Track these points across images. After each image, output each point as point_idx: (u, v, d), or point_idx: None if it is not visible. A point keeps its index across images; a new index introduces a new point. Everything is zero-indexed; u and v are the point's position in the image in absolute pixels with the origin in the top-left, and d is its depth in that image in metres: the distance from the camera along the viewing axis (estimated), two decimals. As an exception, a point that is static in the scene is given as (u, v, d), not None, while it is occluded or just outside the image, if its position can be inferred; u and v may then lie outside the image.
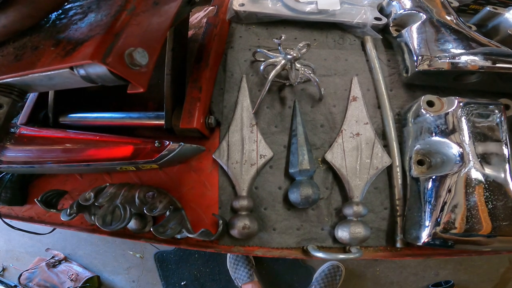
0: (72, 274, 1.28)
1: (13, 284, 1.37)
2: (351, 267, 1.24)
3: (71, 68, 0.24)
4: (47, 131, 0.46)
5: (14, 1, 0.25)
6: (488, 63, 0.40)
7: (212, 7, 0.59)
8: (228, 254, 1.30)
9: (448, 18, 0.47)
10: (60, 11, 0.31)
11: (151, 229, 0.39)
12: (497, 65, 0.40)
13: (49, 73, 0.25)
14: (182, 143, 0.40)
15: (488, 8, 0.53)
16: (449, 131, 0.35)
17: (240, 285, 1.24)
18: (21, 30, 0.28)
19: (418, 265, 1.22)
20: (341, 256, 0.36)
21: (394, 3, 0.53)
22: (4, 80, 0.29)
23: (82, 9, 0.30)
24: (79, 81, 0.26)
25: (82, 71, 0.25)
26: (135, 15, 0.27)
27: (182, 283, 1.33)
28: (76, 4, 0.31)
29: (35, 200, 0.44)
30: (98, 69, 0.24)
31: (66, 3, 0.31)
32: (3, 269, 1.52)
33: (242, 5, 0.55)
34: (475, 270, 1.21)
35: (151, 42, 0.29)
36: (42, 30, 0.29)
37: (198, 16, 0.63)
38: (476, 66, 0.40)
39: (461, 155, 0.33)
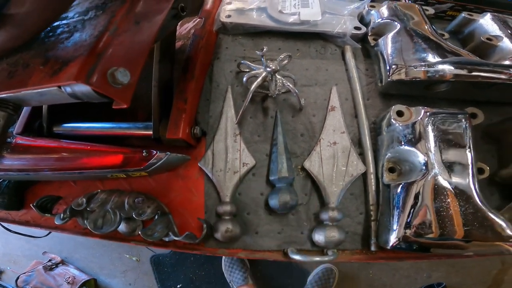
0: (69, 277, 1.30)
1: (10, 287, 1.38)
2: (345, 270, 1.25)
3: (59, 86, 0.27)
4: (42, 140, 0.48)
5: (3, 23, 0.27)
6: (459, 72, 0.41)
7: (199, 19, 0.61)
8: (224, 258, 1.31)
9: (424, 27, 0.49)
10: (49, 28, 0.33)
11: (140, 233, 0.42)
12: (468, 73, 0.41)
13: (39, 90, 0.27)
14: (169, 153, 0.42)
15: (463, 15, 0.55)
16: (415, 140, 0.37)
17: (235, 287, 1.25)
18: (12, 49, 0.30)
19: (410, 268, 1.23)
20: (317, 258, 0.38)
21: (373, 12, 0.54)
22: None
23: (69, 27, 0.32)
24: (67, 98, 0.28)
25: (68, 89, 0.27)
26: (117, 35, 0.29)
27: (178, 286, 1.35)
28: (63, 22, 0.33)
29: (30, 205, 0.46)
30: (83, 88, 0.26)
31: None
32: (1, 272, 1.55)
33: (229, 16, 0.58)
34: (468, 272, 1.22)
35: (134, 59, 0.31)
36: (32, 47, 0.31)
37: (187, 27, 0.65)
38: (448, 75, 0.41)
39: (426, 163, 0.35)
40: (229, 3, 0.61)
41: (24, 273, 1.36)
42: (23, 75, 0.28)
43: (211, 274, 1.35)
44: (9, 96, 0.31)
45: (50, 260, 1.38)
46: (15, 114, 0.34)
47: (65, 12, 0.33)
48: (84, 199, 0.45)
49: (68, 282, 1.28)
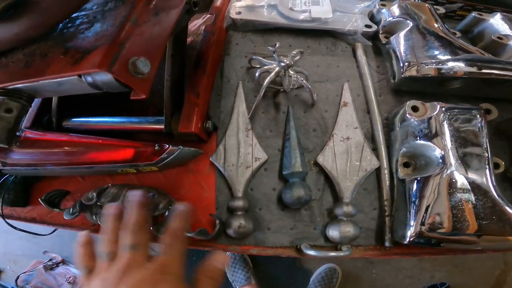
0: (70, 277, 1.29)
1: (10, 287, 1.37)
2: (348, 270, 1.25)
3: (79, 75, 0.26)
4: (51, 134, 0.47)
5: (26, 11, 0.27)
6: (471, 69, 0.42)
7: (209, 15, 0.61)
8: None
9: (434, 25, 0.49)
10: (67, 19, 0.32)
11: (151, 228, 0.41)
12: (480, 70, 0.42)
13: (58, 80, 0.27)
14: (181, 147, 0.42)
15: (473, 14, 0.56)
16: (431, 135, 0.37)
17: (237, 287, 1.24)
18: (32, 38, 0.30)
19: (413, 267, 1.23)
20: (332, 253, 0.38)
21: (383, 10, 0.55)
22: (14, 86, 0.31)
23: (88, 18, 0.32)
24: (86, 88, 0.28)
25: (89, 79, 0.27)
26: (138, 26, 0.29)
27: None
28: (82, 13, 0.33)
29: (38, 199, 0.45)
30: (104, 77, 0.26)
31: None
32: (0, 272, 1.54)
33: (239, 13, 0.58)
34: (471, 272, 1.22)
35: (153, 50, 0.31)
36: (50, 38, 0.31)
37: (196, 24, 0.65)
38: (460, 72, 0.42)
39: (443, 157, 0.35)
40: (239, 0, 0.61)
41: (24, 272, 1.35)
42: (41, 65, 0.28)
43: None
44: (25, 86, 0.31)
45: (50, 260, 1.37)
46: (28, 105, 0.33)
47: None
48: (95, 194, 0.44)
49: (69, 282, 1.27)
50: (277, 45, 0.44)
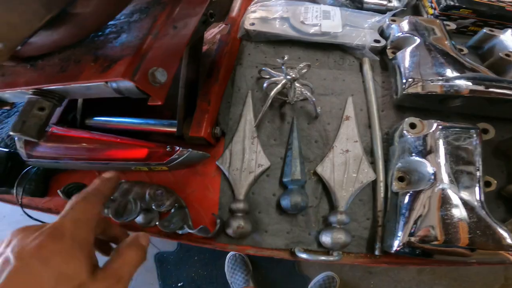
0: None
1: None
2: (346, 279, 1.25)
3: (106, 82, 0.30)
4: (75, 131, 0.52)
5: (66, 21, 0.30)
6: (474, 87, 0.43)
7: (225, 25, 0.64)
8: (227, 259, 1.33)
9: (442, 41, 0.50)
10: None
11: (157, 223, 0.45)
12: (482, 89, 0.43)
13: (88, 84, 0.31)
14: (190, 149, 0.45)
15: (484, 31, 0.56)
16: (426, 152, 0.39)
17: None
18: (68, 45, 0.34)
19: (412, 280, 1.23)
20: (322, 257, 0.40)
21: (393, 26, 0.56)
22: (49, 87, 0.35)
23: (116, 28, 0.35)
24: (110, 92, 0.32)
25: (114, 85, 0.30)
26: (158, 39, 0.33)
27: (179, 284, 1.37)
28: (111, 23, 0.37)
29: (58, 191, 0.47)
30: (127, 85, 0.30)
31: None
32: None
33: (253, 24, 0.61)
34: (470, 286, 1.21)
35: (170, 61, 0.34)
36: (83, 45, 0.35)
37: (212, 32, 0.69)
38: (462, 91, 0.43)
39: (434, 174, 0.37)
40: (254, 11, 0.64)
41: None
42: (75, 70, 0.32)
43: (213, 274, 1.36)
44: (58, 88, 0.35)
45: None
46: (59, 105, 0.37)
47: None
48: None
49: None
50: (285, 58, 0.47)
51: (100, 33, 0.36)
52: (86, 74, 0.30)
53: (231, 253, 1.35)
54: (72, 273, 0.23)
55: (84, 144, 0.51)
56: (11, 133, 0.35)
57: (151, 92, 0.30)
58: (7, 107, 0.49)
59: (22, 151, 0.51)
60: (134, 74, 0.28)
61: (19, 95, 0.40)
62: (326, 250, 0.43)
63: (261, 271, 1.33)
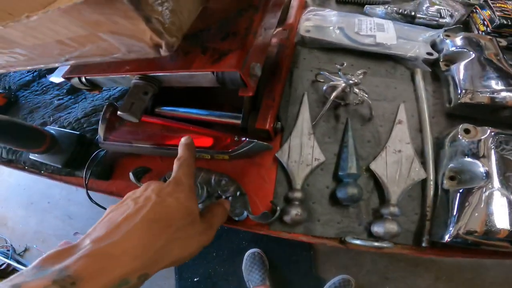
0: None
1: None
2: (362, 284, 1.26)
3: (213, 72, 0.35)
4: (149, 117, 0.57)
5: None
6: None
7: (280, 29, 0.69)
8: (245, 256, 1.37)
9: (495, 56, 0.54)
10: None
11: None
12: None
13: (193, 73, 0.36)
14: (256, 140, 0.50)
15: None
16: (479, 155, 0.42)
17: (251, 287, 1.30)
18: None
19: (428, 287, 1.22)
20: (376, 244, 0.44)
21: (447, 40, 0.60)
22: (154, 74, 0.40)
23: (218, 24, 0.40)
24: (212, 81, 0.37)
25: (220, 75, 0.36)
26: (256, 37, 0.38)
27: (195, 279, 1.40)
28: None
29: (129, 172, 0.50)
30: (233, 75, 0.35)
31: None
32: (25, 249, 1.62)
33: (308, 31, 0.66)
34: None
35: (261, 57, 0.39)
36: (188, 38, 0.38)
37: (268, 37, 0.74)
38: (508, 102, 0.47)
39: (487, 174, 0.41)
40: (308, 19, 0.69)
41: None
42: (185, 60, 0.37)
43: (230, 271, 1.39)
44: (164, 75, 0.40)
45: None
46: (157, 91, 0.42)
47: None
48: None
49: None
50: (344, 65, 0.52)
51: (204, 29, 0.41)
52: (198, 64, 0.36)
53: (250, 251, 1.39)
54: (192, 208, 0.33)
55: (157, 130, 0.57)
56: (119, 113, 0.40)
57: (249, 83, 0.36)
58: (96, 92, 0.56)
59: (101, 134, 0.57)
60: (243, 66, 0.34)
61: (120, 80, 0.47)
62: (375, 240, 0.47)
63: (278, 270, 1.35)
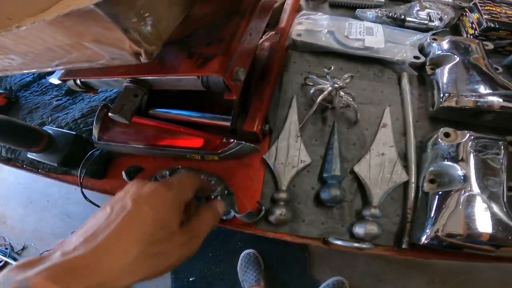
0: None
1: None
2: (355, 285, 1.28)
3: (198, 76, 0.37)
4: (143, 119, 0.59)
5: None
6: (504, 104, 0.48)
7: (272, 33, 0.71)
8: (241, 257, 1.38)
9: (479, 61, 0.55)
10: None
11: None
12: (511, 106, 0.47)
13: (182, 77, 0.38)
14: (244, 142, 0.52)
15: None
16: (458, 158, 0.44)
17: (246, 287, 1.31)
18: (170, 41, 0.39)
19: None
20: (356, 244, 0.45)
21: (434, 44, 0.61)
22: (144, 77, 0.41)
23: (205, 29, 0.42)
24: (197, 85, 0.38)
25: (205, 79, 0.37)
26: (241, 43, 0.39)
27: (191, 279, 1.41)
28: None
29: (122, 172, 0.51)
30: (216, 80, 0.36)
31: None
32: (24, 248, 1.60)
33: (299, 35, 0.67)
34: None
35: (245, 63, 0.41)
36: (176, 43, 0.41)
37: (261, 40, 0.76)
38: (495, 106, 0.48)
39: (465, 177, 0.42)
40: (300, 23, 0.70)
41: (48, 251, 1.38)
42: (173, 64, 0.39)
43: (225, 272, 1.40)
44: (153, 78, 0.41)
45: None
46: (147, 93, 0.43)
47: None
48: (167, 172, 0.54)
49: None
50: (332, 68, 0.53)
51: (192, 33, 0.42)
52: (184, 68, 0.37)
53: (245, 251, 1.40)
54: (169, 221, 0.30)
55: (150, 130, 0.59)
56: (110, 114, 0.42)
57: (232, 88, 0.37)
58: (92, 93, 0.57)
59: (95, 134, 0.59)
60: (225, 71, 0.35)
61: (113, 82, 0.48)
62: (357, 241, 0.48)
63: (273, 271, 1.37)
